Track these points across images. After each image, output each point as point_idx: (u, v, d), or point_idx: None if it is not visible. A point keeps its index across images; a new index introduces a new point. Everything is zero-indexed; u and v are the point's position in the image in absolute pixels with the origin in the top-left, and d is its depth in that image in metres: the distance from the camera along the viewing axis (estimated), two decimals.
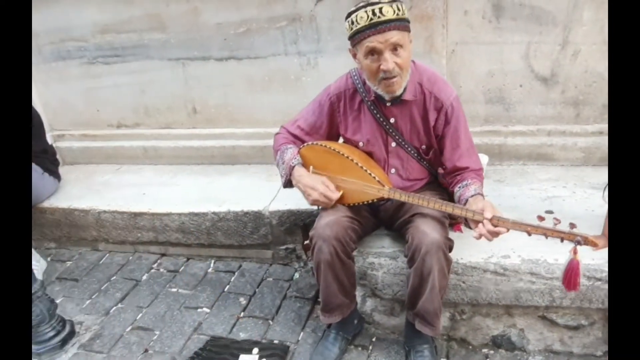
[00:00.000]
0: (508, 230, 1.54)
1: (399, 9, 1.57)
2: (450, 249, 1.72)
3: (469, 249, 1.87)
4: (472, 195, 1.65)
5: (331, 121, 1.90)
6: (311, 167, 1.86)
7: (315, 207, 1.99)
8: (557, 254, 1.79)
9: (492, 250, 1.85)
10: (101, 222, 2.74)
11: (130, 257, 2.77)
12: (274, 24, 2.63)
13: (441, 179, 1.91)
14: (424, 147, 1.83)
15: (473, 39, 2.38)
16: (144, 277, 2.60)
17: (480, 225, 1.54)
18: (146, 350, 2.10)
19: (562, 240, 1.51)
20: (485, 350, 1.95)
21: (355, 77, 1.81)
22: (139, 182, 2.97)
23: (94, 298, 2.47)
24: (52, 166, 2.87)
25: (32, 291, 2.01)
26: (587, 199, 2.16)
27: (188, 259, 2.71)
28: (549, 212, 2.06)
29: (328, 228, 1.73)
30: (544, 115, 2.46)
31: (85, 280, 2.62)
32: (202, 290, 2.44)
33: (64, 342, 2.14)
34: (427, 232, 1.64)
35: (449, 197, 1.84)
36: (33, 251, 2.68)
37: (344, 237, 1.74)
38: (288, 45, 2.67)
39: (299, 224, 2.43)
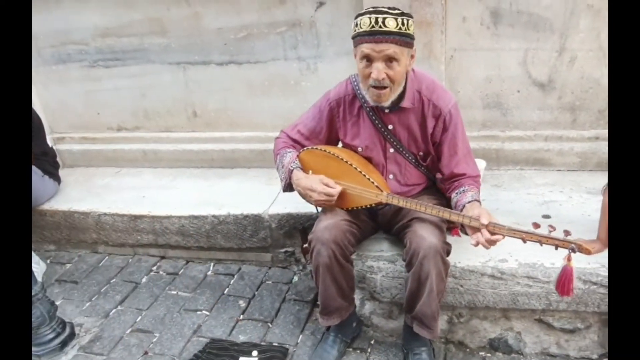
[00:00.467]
0: (504, 236, 1.56)
1: (403, 24, 1.58)
2: (448, 253, 1.74)
3: (466, 253, 1.89)
4: (469, 202, 1.67)
5: (330, 126, 1.92)
6: (310, 172, 1.88)
7: (314, 211, 2.01)
8: (553, 259, 1.80)
9: (489, 254, 1.87)
10: (101, 224, 2.75)
11: (130, 260, 2.78)
12: (274, 29, 2.66)
13: (439, 185, 1.93)
14: (421, 153, 1.85)
15: (471, 45, 2.41)
16: (144, 280, 2.61)
17: (478, 234, 1.56)
18: (146, 353, 2.11)
19: (556, 248, 1.54)
20: (482, 353, 1.97)
21: (355, 83, 1.83)
22: (138, 185, 2.98)
23: (94, 300, 2.48)
24: (52, 169, 2.89)
25: (33, 293, 2.02)
26: (583, 204, 2.18)
27: (187, 262, 2.72)
28: (546, 216, 2.09)
29: (327, 231, 1.75)
30: (541, 121, 2.49)
31: (84, 282, 2.63)
32: (201, 293, 2.45)
33: (64, 344, 2.15)
34: (425, 236, 1.66)
35: (447, 202, 1.86)
36: (33, 253, 2.69)
37: (343, 241, 1.76)
38: (288, 50, 2.69)
39: (298, 228, 2.45)
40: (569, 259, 1.54)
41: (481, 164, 2.27)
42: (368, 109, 1.81)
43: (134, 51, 2.93)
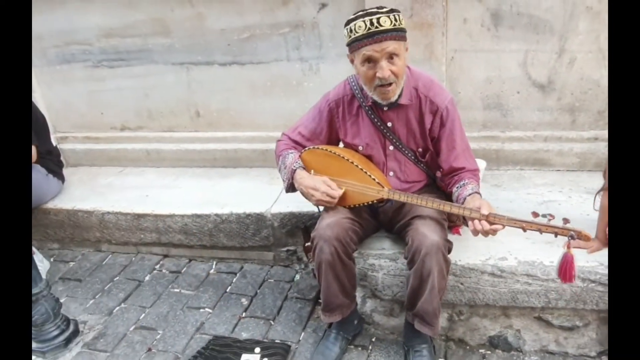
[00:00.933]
0: (504, 226, 1.59)
1: (396, 20, 1.63)
2: (449, 251, 1.76)
3: (467, 251, 1.92)
4: (469, 194, 1.70)
5: (330, 127, 1.96)
6: (312, 171, 1.91)
7: (316, 209, 2.03)
8: (552, 257, 1.83)
9: (489, 252, 1.90)
10: (104, 223, 2.77)
11: (133, 258, 2.81)
12: (277, 30, 2.69)
13: (439, 183, 1.96)
14: (420, 150, 1.88)
15: (472, 47, 2.43)
16: (147, 278, 2.63)
17: (476, 221, 1.58)
18: (149, 349, 2.13)
19: (556, 235, 1.57)
20: (482, 351, 1.99)
21: (353, 83, 1.87)
22: (142, 184, 3.01)
23: (97, 298, 2.51)
24: (56, 168, 2.91)
25: (37, 290, 2.04)
26: (582, 204, 2.21)
27: (190, 260, 2.75)
28: (545, 216, 2.10)
29: (329, 229, 1.78)
30: (541, 122, 2.52)
31: (88, 280, 2.65)
32: (204, 291, 2.47)
33: (68, 341, 2.17)
34: (426, 234, 1.68)
35: (447, 199, 1.88)
36: (37, 251, 2.72)
37: (345, 238, 1.79)
38: (290, 51, 2.72)
39: (300, 226, 2.47)
40: (568, 246, 1.58)
41: (481, 164, 2.29)
42: (367, 107, 1.85)
43: (137, 51, 2.96)
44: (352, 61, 1.75)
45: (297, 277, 2.53)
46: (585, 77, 2.38)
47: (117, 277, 2.66)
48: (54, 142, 3.07)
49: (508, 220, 1.58)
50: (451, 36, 2.43)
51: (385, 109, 1.82)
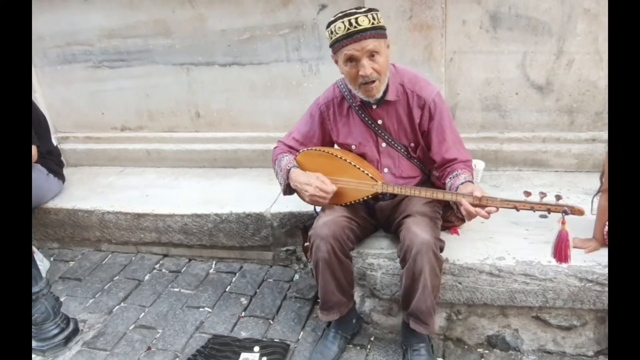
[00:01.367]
0: (497, 208, 1.61)
1: (374, 18, 1.67)
2: (442, 249, 1.77)
3: (465, 251, 1.93)
4: (462, 183, 1.72)
5: (323, 130, 2.00)
6: (307, 172, 1.93)
7: (317, 209, 2.05)
8: (550, 257, 1.84)
9: (487, 252, 1.92)
10: (105, 222, 2.78)
11: (133, 258, 2.82)
12: (277, 32, 2.70)
13: (434, 180, 1.98)
14: (412, 144, 1.91)
15: (471, 48, 2.45)
16: (147, 277, 2.64)
17: (465, 202, 1.60)
18: (149, 348, 2.14)
19: (549, 212, 1.59)
20: (480, 350, 2.00)
21: (342, 86, 1.92)
22: (142, 184, 3.02)
23: (97, 297, 2.51)
24: (56, 167, 2.92)
25: (38, 289, 2.05)
26: (580, 204, 2.17)
27: (190, 260, 2.76)
28: (543, 216, 2.11)
29: (326, 227, 1.80)
30: (539, 123, 2.53)
31: (88, 279, 2.66)
32: (203, 290, 2.48)
33: (68, 340, 2.18)
34: (417, 232, 1.70)
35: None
36: (37, 251, 2.73)
37: (342, 236, 1.81)
38: (290, 52, 2.74)
39: (299, 226, 2.48)
40: (563, 222, 1.61)
41: (480, 164, 2.31)
42: (356, 107, 1.89)
43: (138, 52, 2.97)
44: (336, 62, 1.79)
45: (296, 276, 2.54)
46: (583, 78, 2.39)
47: (117, 277, 2.67)
48: (54, 142, 3.08)
49: (501, 202, 1.61)
50: (450, 38, 2.44)
51: (374, 107, 1.86)
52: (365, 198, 1.86)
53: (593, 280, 1.78)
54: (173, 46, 2.90)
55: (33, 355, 2.13)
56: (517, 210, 1.62)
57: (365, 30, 1.65)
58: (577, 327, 1.90)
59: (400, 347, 1.99)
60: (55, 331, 2.16)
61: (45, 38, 3.07)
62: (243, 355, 2.02)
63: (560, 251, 1.65)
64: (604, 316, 1.87)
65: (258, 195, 2.67)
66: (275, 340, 2.12)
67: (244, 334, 2.17)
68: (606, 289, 1.77)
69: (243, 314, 2.30)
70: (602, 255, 1.83)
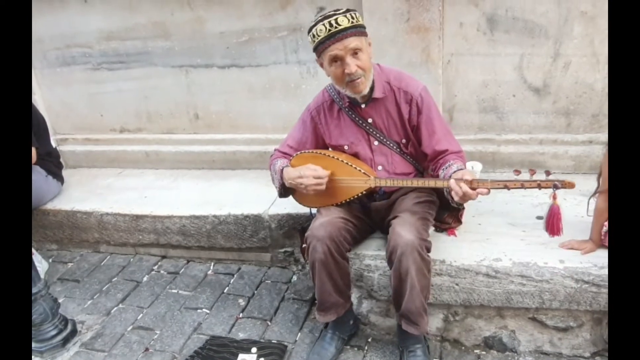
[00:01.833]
0: (489, 190, 1.63)
1: (352, 17, 1.70)
2: (428, 250, 1.77)
3: (461, 252, 1.94)
4: (454, 172, 1.73)
5: (315, 134, 2.03)
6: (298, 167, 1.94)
7: (313, 211, 2.06)
8: (546, 258, 1.85)
9: (484, 253, 1.92)
10: (103, 224, 2.79)
11: (131, 259, 2.82)
12: (275, 34, 2.71)
13: (427, 176, 1.99)
14: (404, 141, 1.93)
15: (468, 51, 2.46)
16: (145, 279, 2.65)
17: (456, 187, 1.61)
18: (147, 349, 2.14)
19: (539, 188, 1.62)
20: (477, 351, 2.00)
21: (331, 90, 1.95)
22: (140, 185, 3.03)
23: (95, 298, 2.52)
24: (55, 169, 2.93)
25: (36, 290, 2.05)
26: (577, 206, 2.22)
27: (188, 261, 2.76)
28: (540, 217, 2.13)
29: (322, 228, 1.81)
30: (536, 125, 2.54)
31: (86, 281, 2.67)
32: (201, 292, 2.49)
33: (66, 341, 2.18)
34: (401, 233, 1.71)
35: (437, 195, 1.94)
36: (35, 252, 2.73)
37: (338, 237, 1.82)
38: (289, 54, 2.75)
39: (297, 228, 2.49)
40: (554, 197, 1.65)
41: (477, 166, 2.31)
42: (346, 109, 1.91)
43: (137, 54, 2.99)
44: (321, 65, 1.82)
45: (294, 278, 2.54)
46: (579, 81, 2.40)
47: (115, 278, 2.67)
48: (53, 144, 3.08)
49: (492, 182, 1.64)
50: (447, 40, 2.45)
51: (363, 106, 1.88)
52: (360, 194, 1.88)
53: (589, 282, 1.79)
54: (172, 48, 2.91)
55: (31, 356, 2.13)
56: (508, 189, 1.66)
57: (346, 29, 1.68)
58: (574, 329, 1.91)
59: (397, 349, 1.99)
60: (54, 332, 2.16)
61: (45, 40, 3.09)
62: (241, 356, 2.02)
63: (552, 225, 1.72)
64: (600, 317, 1.88)
65: (256, 197, 2.67)
66: (272, 341, 2.12)
67: (241, 335, 2.18)
68: (602, 290, 1.78)
69: (241, 315, 2.31)
70: (599, 256, 1.84)
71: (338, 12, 1.70)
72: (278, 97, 2.87)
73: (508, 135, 2.59)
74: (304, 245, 1.95)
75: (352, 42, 1.69)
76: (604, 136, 2.46)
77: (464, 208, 2.05)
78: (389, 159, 1.95)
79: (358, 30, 1.71)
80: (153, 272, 2.70)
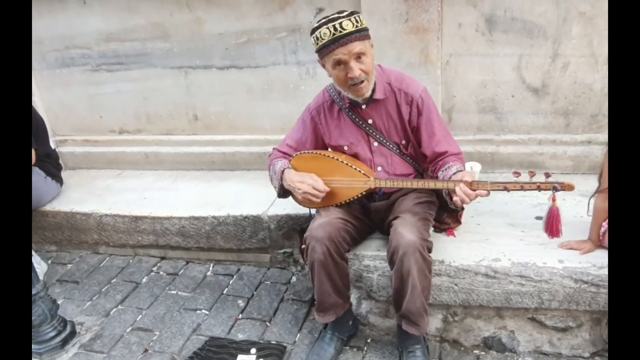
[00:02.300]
0: (488, 192, 1.63)
1: (357, 21, 1.70)
2: (430, 250, 1.77)
3: (460, 253, 1.94)
4: (454, 174, 1.73)
5: (315, 134, 2.02)
6: (301, 172, 1.94)
7: (312, 212, 2.05)
8: (545, 258, 1.85)
9: (483, 253, 1.92)
10: (102, 225, 2.79)
11: (131, 260, 2.82)
12: (274, 35, 2.72)
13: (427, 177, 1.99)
14: (404, 142, 1.94)
15: (467, 51, 2.46)
16: (144, 280, 2.64)
17: (457, 189, 1.63)
18: (146, 350, 2.14)
19: (539, 189, 1.62)
20: (476, 352, 2.00)
21: (331, 90, 1.95)
22: (140, 186, 3.03)
23: (95, 300, 2.52)
24: (55, 170, 2.93)
25: (35, 292, 2.05)
26: (576, 206, 2.22)
27: (187, 263, 2.76)
28: (539, 217, 2.13)
29: (321, 229, 1.81)
30: (535, 125, 2.54)
31: (85, 282, 2.67)
32: (201, 293, 2.49)
33: (65, 342, 2.18)
34: (403, 234, 1.71)
35: (437, 196, 1.93)
36: (34, 254, 2.73)
37: (337, 238, 1.82)
38: (288, 55, 2.75)
39: (296, 229, 2.49)
40: (553, 199, 1.65)
41: (477, 167, 2.32)
42: (346, 109, 1.91)
43: (136, 55, 2.99)
44: (323, 66, 1.82)
45: (294, 279, 2.54)
46: (578, 81, 2.41)
47: (115, 279, 2.67)
48: (52, 145, 3.08)
49: (492, 184, 1.64)
50: (446, 41, 2.46)
51: (363, 107, 1.88)
52: (360, 195, 1.88)
53: (588, 282, 1.79)
54: (171, 49, 2.91)
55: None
56: (508, 191, 1.66)
57: (351, 33, 1.67)
58: (573, 329, 1.91)
59: (397, 349, 1.99)
60: (53, 334, 2.15)
61: (44, 41, 3.09)
62: (240, 357, 2.02)
63: (552, 227, 1.71)
64: (599, 317, 1.87)
65: (256, 198, 2.67)
66: (272, 342, 2.12)
67: (241, 336, 2.17)
68: (601, 290, 1.78)
69: (240, 316, 2.31)
70: (598, 256, 1.84)
71: (342, 16, 1.68)
72: (277, 98, 2.87)
73: (507, 135, 2.59)
74: (303, 246, 1.95)
75: (357, 46, 1.69)
76: (602, 136, 2.46)
77: (463, 209, 2.05)
78: (388, 160, 1.95)
79: (362, 34, 1.70)
80: (152, 273, 2.70)
